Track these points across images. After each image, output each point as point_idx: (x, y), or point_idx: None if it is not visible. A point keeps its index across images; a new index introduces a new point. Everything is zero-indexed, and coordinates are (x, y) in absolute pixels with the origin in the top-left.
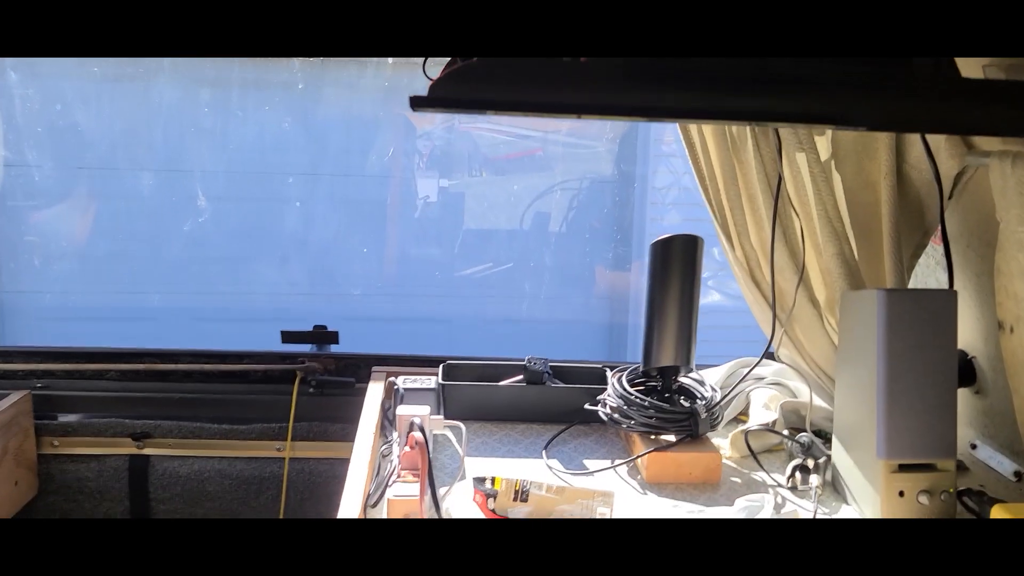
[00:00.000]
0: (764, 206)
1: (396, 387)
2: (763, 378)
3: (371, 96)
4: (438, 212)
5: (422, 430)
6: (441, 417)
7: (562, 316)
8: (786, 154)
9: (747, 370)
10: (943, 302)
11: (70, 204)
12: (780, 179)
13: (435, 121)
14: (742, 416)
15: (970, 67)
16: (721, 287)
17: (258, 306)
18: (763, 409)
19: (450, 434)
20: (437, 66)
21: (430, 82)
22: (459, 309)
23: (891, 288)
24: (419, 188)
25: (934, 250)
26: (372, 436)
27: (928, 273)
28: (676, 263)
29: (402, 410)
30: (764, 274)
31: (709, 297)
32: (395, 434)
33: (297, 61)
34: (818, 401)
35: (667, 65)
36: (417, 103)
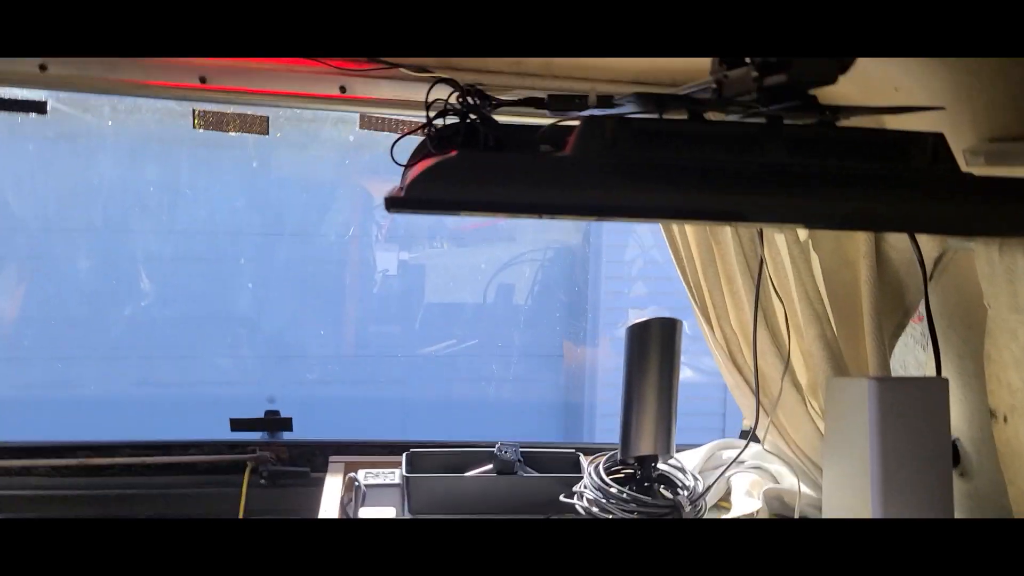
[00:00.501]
0: (744, 288)
1: (357, 483)
2: (743, 461)
3: (328, 164)
4: (398, 286)
5: None
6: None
7: (525, 394)
8: (765, 235)
9: (726, 453)
10: (935, 390)
11: None
12: (762, 262)
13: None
14: (723, 502)
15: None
16: (690, 362)
17: (206, 393)
18: (746, 496)
19: None
20: (401, 150)
21: (402, 172)
22: (421, 389)
23: (880, 377)
24: (378, 261)
25: (912, 328)
26: None
27: (906, 351)
28: (654, 347)
29: (365, 513)
30: (746, 358)
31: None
32: None
33: (251, 138)
34: (803, 488)
35: (657, 159)
36: (392, 205)
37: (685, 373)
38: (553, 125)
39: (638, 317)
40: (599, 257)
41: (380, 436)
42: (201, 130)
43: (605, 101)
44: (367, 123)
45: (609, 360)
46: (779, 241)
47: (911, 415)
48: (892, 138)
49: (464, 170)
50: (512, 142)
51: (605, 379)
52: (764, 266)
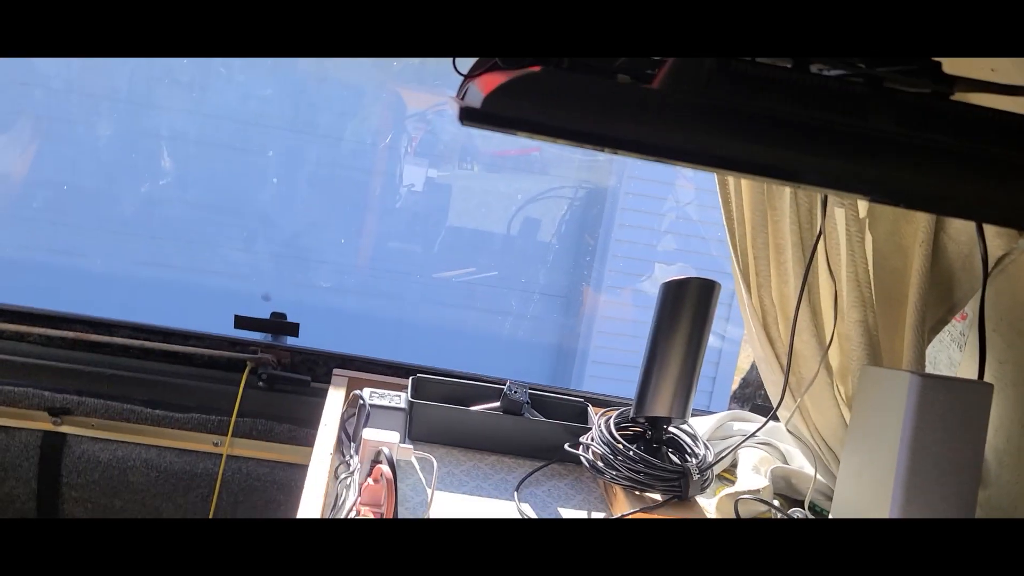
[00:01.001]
0: (792, 259)
1: (362, 401)
2: (753, 435)
3: (367, 64)
4: (422, 204)
5: (391, 463)
6: (411, 447)
7: (528, 332)
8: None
9: (736, 424)
10: (979, 395)
11: (7, 138)
12: (820, 233)
13: (429, 102)
14: (727, 474)
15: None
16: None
17: (213, 284)
18: (752, 472)
19: (415, 461)
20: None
21: (468, 85)
22: (434, 314)
23: (924, 373)
24: (404, 175)
25: (951, 325)
26: (330, 452)
27: (940, 348)
28: (687, 308)
29: (369, 434)
30: (780, 332)
31: None
32: (356, 459)
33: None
34: (811, 470)
35: (754, 108)
36: (469, 117)
37: None
38: (633, 58)
39: (666, 272)
40: (618, 204)
41: (384, 355)
42: None
43: None
44: None
45: (619, 308)
46: (838, 216)
47: (949, 417)
48: (1015, 121)
49: (547, 89)
50: (585, 67)
51: (610, 327)
52: (822, 237)
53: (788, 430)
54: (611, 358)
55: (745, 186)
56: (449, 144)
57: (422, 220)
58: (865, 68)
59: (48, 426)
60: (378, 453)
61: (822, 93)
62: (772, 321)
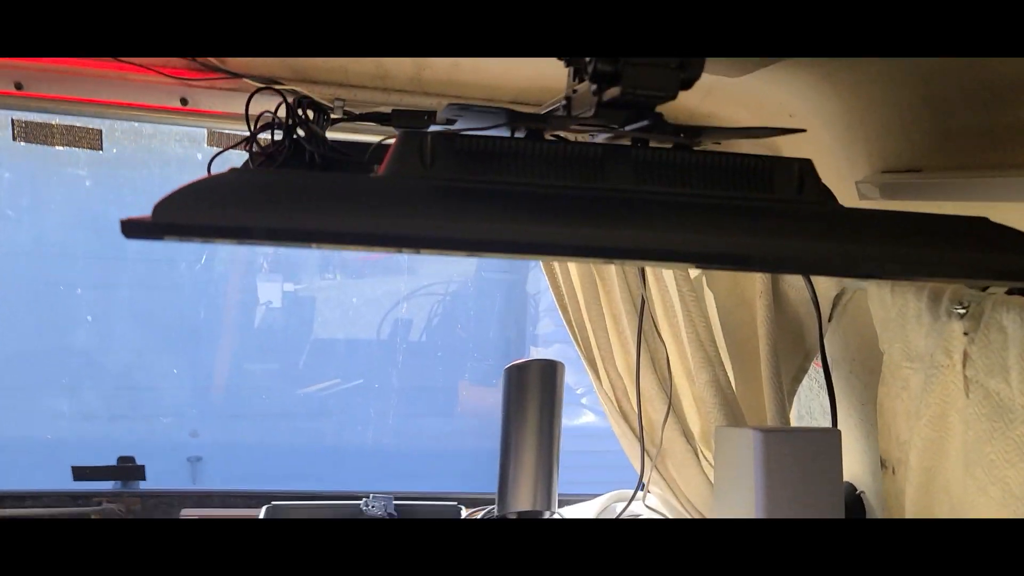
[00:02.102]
0: (630, 327)
1: None
2: (638, 514)
3: (175, 183)
4: (281, 320)
5: None
6: None
7: (420, 441)
8: (651, 271)
9: (619, 505)
10: (826, 442)
11: None
12: (643, 301)
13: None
14: None
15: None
16: (595, 406)
17: (40, 436)
18: None
19: None
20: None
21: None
22: (298, 433)
23: (767, 428)
24: (260, 293)
25: (817, 372)
26: None
27: (812, 397)
28: (533, 392)
29: None
30: (632, 404)
31: (583, 418)
32: None
33: (82, 154)
34: None
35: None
36: (132, 230)
37: (587, 417)
38: (383, 144)
39: (543, 355)
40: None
41: (245, 484)
42: (22, 143)
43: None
44: (216, 139)
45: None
46: (667, 278)
47: (801, 468)
48: (753, 163)
49: (238, 190)
50: (345, 162)
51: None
52: (645, 304)
53: (647, 505)
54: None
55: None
56: (306, 254)
57: (283, 336)
58: (609, 129)
59: None
60: None
61: (555, 158)
62: (623, 395)
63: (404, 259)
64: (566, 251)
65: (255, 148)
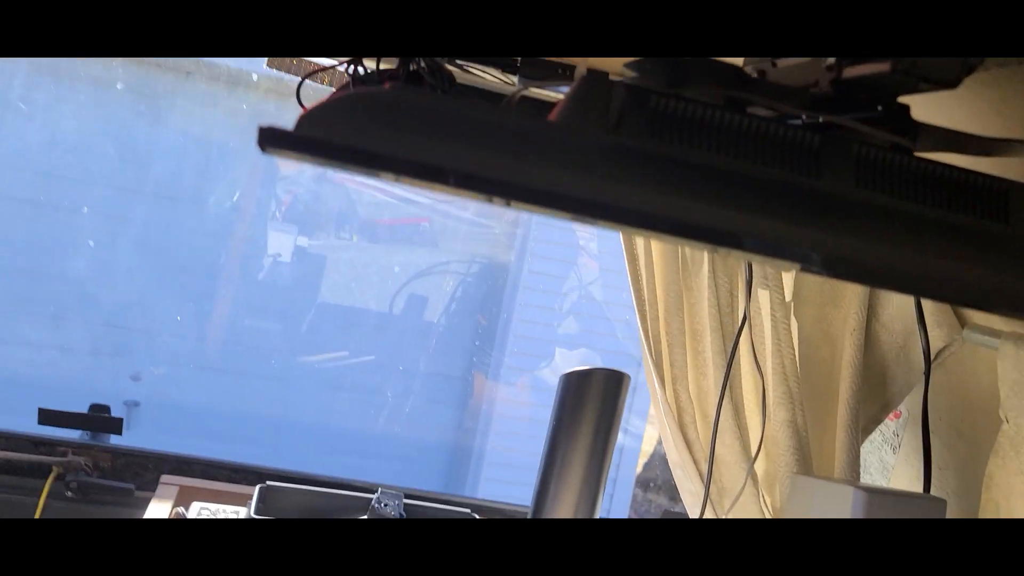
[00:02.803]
0: (711, 348)
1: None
2: None
3: (223, 117)
4: (289, 277)
5: None
6: None
7: (423, 430)
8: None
9: None
10: (930, 511)
11: None
12: (745, 318)
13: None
14: None
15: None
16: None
17: (12, 370)
18: None
19: None
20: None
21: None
22: (294, 407)
23: (868, 487)
24: (270, 243)
25: (884, 425)
26: None
27: (871, 450)
28: (591, 403)
29: None
30: (699, 433)
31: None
32: None
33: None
34: None
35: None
36: (268, 139)
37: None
38: (525, 97)
39: (565, 357)
40: (520, 283)
41: (232, 456)
42: None
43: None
44: (277, 62)
45: (516, 400)
46: (762, 299)
47: None
48: (985, 183)
49: (395, 110)
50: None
51: (506, 425)
52: (747, 322)
53: None
54: (512, 459)
55: (658, 263)
56: (325, 209)
57: (288, 295)
58: (814, 111)
59: None
60: None
61: (765, 140)
62: (689, 420)
63: (428, 231)
64: (768, 250)
65: (354, 72)
